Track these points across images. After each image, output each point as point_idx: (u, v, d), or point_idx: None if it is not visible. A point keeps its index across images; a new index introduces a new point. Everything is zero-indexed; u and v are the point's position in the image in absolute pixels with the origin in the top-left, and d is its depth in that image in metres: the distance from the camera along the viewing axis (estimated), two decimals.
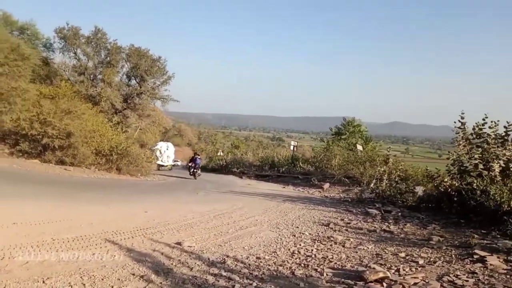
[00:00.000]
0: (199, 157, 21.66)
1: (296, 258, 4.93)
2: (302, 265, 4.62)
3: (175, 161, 32.90)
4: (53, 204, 7.34)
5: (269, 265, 4.53)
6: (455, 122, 9.86)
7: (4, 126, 14.34)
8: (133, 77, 27.14)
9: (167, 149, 29.86)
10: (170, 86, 27.87)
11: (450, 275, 4.16)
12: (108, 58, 25.39)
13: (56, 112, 15.23)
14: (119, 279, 3.62)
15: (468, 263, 4.63)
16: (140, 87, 26.66)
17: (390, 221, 8.32)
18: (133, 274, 3.80)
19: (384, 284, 3.83)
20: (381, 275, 3.98)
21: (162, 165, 27.94)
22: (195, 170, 20.43)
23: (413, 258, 4.97)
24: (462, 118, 9.70)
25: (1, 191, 7.90)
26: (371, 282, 3.88)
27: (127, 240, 5.14)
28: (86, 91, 22.90)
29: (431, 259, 4.90)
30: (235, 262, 4.55)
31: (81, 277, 3.53)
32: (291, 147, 29.25)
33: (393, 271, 4.35)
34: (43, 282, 3.32)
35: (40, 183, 10.70)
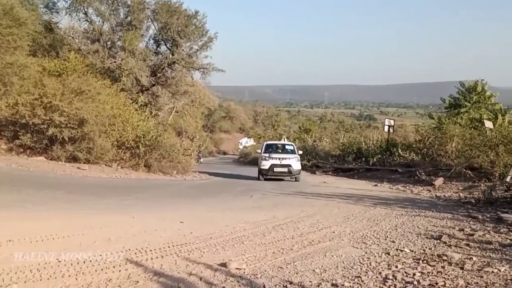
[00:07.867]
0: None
1: (390, 286, 4.77)
2: None
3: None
4: (59, 214, 7.76)
5: None
6: None
7: None
8: (162, 42, 27.82)
9: (246, 143, 70.35)
10: (212, 52, 27.94)
11: None
12: (129, 18, 26.07)
13: (64, 93, 15.98)
14: None
15: None
16: (173, 55, 27.15)
17: None
18: None
19: None
20: None
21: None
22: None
23: None
24: None
25: None
26: None
27: (155, 260, 5.28)
28: (102, 64, 23.84)
29: None
30: None
31: None
32: (386, 128, 28.57)
33: None
34: None
35: (44, 187, 11.35)
